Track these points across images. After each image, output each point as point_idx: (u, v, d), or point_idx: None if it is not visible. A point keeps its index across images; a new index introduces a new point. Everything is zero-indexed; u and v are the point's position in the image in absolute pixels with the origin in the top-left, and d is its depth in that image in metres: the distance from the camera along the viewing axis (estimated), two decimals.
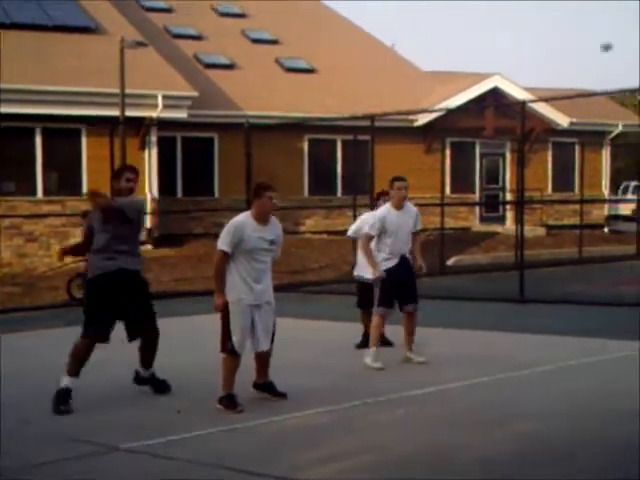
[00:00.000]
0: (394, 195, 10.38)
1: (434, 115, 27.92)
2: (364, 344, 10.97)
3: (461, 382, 9.22)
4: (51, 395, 8.40)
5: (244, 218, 8.26)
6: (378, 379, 9.62)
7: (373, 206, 12.59)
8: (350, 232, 12.13)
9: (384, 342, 10.89)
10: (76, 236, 22.42)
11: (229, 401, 8.20)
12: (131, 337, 8.81)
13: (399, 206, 10.38)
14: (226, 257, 8.14)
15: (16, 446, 7.13)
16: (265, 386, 8.70)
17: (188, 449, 6.97)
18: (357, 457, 6.62)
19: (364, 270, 11.03)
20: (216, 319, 8.39)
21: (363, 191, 20.52)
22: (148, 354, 8.93)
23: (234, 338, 8.19)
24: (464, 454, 6.64)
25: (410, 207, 10.57)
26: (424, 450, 6.82)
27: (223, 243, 8.13)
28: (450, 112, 27.49)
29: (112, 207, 8.55)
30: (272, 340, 8.49)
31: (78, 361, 8.52)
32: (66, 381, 8.45)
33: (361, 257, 11.08)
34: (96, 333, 8.54)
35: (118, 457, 6.85)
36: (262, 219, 8.25)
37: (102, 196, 8.76)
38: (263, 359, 8.55)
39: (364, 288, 11.23)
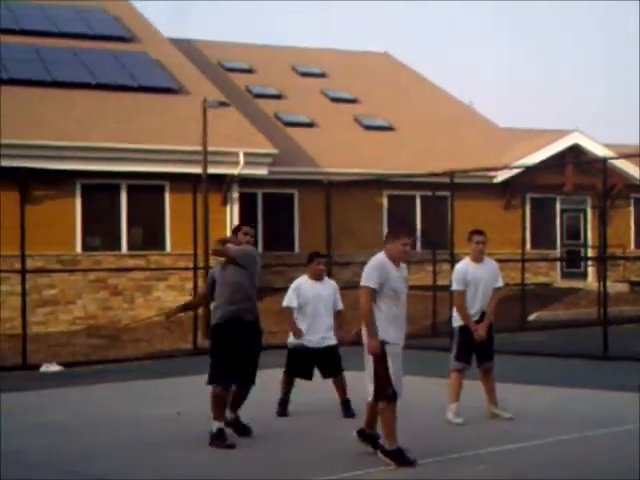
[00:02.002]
0: (472, 249, 10.48)
1: (513, 172, 27.87)
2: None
3: (542, 439, 9.15)
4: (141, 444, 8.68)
5: (383, 257, 8.18)
6: (459, 435, 9.60)
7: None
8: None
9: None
10: (159, 290, 22.88)
11: (402, 457, 8.07)
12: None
13: (478, 259, 10.46)
14: (373, 294, 8.00)
15: None
16: (371, 437, 8.55)
17: None
18: None
19: None
20: None
21: (442, 246, 20.57)
22: (240, 400, 9.49)
23: (393, 382, 8.08)
24: None
25: (490, 261, 10.63)
26: None
27: (370, 280, 8.02)
28: (530, 169, 27.43)
29: (227, 253, 9.17)
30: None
31: (220, 407, 9.12)
32: (216, 425, 9.04)
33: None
34: (228, 381, 9.13)
35: None
36: (396, 262, 8.24)
37: (221, 243, 9.35)
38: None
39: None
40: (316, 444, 9.26)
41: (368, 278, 8.07)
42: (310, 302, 10.81)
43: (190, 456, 8.76)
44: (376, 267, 8.10)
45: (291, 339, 10.92)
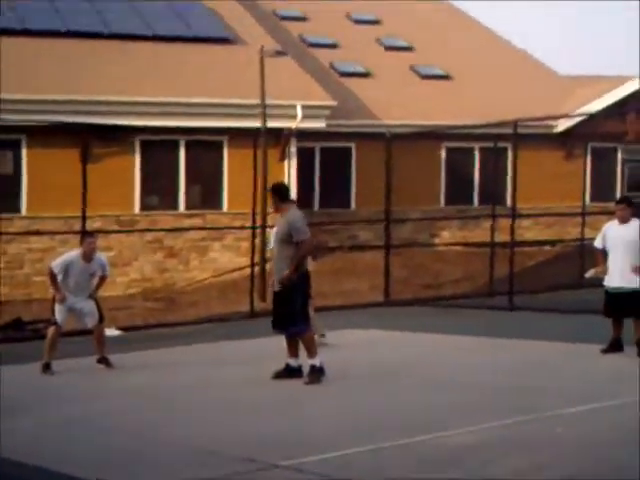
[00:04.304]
0: None
1: (574, 121, 27.37)
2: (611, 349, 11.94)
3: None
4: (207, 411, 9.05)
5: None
6: (532, 395, 9.50)
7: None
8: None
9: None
10: (214, 250, 22.81)
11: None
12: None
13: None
14: None
15: (171, 464, 7.28)
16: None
17: (344, 467, 6.99)
18: (523, 477, 6.54)
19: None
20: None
21: (500, 201, 20.31)
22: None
23: None
24: None
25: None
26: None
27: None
28: (592, 117, 26.89)
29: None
30: None
31: (314, 345, 10.76)
32: (317, 360, 10.61)
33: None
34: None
35: (277, 474, 6.95)
36: None
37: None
38: None
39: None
40: None
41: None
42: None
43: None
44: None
45: None
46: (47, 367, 12.10)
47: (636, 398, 8.93)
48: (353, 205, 26.11)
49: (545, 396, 9.38)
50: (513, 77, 30.38)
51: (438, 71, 30.13)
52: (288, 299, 10.52)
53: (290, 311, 10.54)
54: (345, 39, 31.12)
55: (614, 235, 12.07)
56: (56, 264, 12.25)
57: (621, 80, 29.03)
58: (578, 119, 27.17)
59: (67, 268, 12.11)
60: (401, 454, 7.35)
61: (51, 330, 12.34)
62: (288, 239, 10.56)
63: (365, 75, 29.00)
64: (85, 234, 13.21)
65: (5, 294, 19.93)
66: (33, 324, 16.05)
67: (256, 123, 21.08)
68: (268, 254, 16.02)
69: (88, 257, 12.17)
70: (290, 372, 10.79)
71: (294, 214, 10.77)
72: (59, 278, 12.14)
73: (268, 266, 17.07)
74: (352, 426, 8.35)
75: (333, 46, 30.65)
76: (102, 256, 12.70)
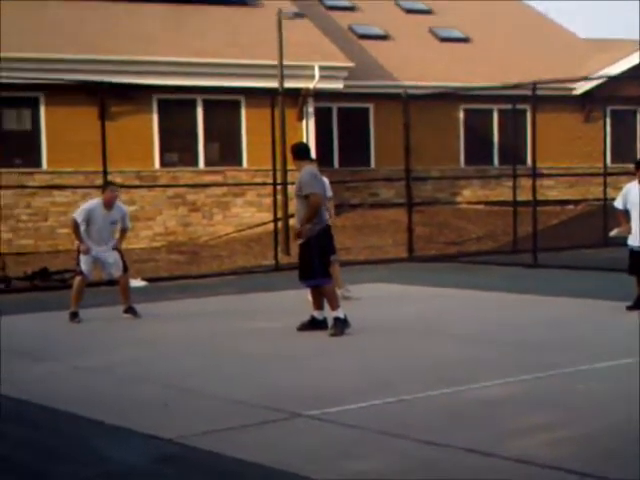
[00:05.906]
0: None
1: (593, 83, 27.21)
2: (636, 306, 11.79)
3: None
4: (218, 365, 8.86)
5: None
6: (545, 352, 9.45)
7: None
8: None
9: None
10: (237, 206, 22.96)
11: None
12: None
13: None
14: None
15: (198, 412, 7.28)
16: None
17: (367, 418, 6.98)
18: (542, 432, 6.47)
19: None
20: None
21: (521, 160, 20.20)
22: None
23: None
24: None
25: None
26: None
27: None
28: (611, 80, 26.73)
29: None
30: None
31: (335, 298, 10.74)
32: (340, 313, 10.59)
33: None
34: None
35: (301, 423, 6.94)
36: None
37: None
38: None
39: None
40: None
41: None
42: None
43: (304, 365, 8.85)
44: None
45: None
46: (74, 315, 12.16)
47: None
48: (373, 164, 26.09)
49: (570, 352, 9.29)
50: (532, 40, 30.20)
51: (457, 34, 29.95)
52: (306, 253, 10.72)
53: (308, 264, 10.71)
54: (364, 2, 30.92)
55: (635, 196, 11.99)
56: (78, 213, 12.37)
57: None
58: (597, 82, 27.02)
59: (89, 216, 12.25)
60: (423, 406, 7.33)
61: (77, 279, 12.41)
62: (301, 194, 10.78)
63: (383, 37, 28.84)
64: (108, 183, 13.26)
65: (31, 245, 20.33)
66: (59, 274, 16.12)
67: (274, 83, 21.06)
68: None
69: (109, 205, 12.29)
70: (315, 324, 10.83)
71: (304, 170, 10.96)
72: (82, 227, 12.22)
73: (292, 221, 17.15)
74: (375, 378, 8.34)
75: (352, 9, 30.48)
76: (122, 205, 12.83)
